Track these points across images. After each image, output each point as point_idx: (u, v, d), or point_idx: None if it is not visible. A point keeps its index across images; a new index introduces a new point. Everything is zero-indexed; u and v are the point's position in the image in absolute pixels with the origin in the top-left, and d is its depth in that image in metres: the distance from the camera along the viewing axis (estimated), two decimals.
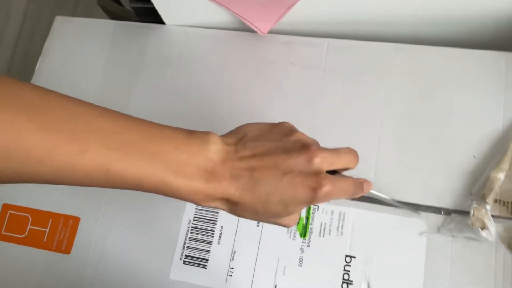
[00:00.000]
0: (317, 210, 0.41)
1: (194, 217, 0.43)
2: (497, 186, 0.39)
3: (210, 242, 0.42)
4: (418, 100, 0.44)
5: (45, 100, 0.26)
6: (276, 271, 0.40)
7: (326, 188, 0.28)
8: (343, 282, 0.39)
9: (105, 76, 0.50)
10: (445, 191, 0.41)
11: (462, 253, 0.39)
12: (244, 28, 0.49)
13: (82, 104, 0.27)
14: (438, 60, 0.44)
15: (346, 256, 0.40)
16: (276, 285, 0.40)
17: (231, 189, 0.28)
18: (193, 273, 0.41)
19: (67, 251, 0.44)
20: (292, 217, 0.31)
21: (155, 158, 0.27)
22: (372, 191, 0.33)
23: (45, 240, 0.44)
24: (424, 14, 0.45)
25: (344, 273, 0.39)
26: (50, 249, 0.44)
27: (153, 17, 0.50)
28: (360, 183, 0.32)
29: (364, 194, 0.32)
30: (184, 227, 0.42)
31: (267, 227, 0.41)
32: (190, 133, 0.29)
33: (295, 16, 0.46)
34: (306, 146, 0.29)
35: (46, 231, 0.44)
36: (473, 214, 0.38)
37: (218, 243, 0.41)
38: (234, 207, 0.29)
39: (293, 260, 0.40)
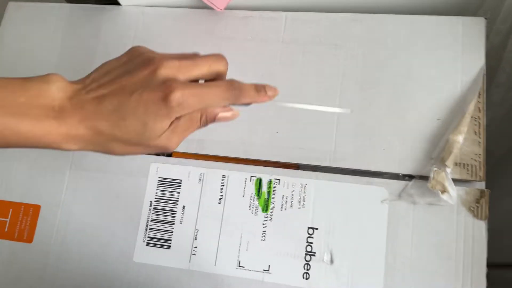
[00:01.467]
0: (278, 183, 0.41)
1: (156, 198, 0.42)
2: (456, 149, 0.39)
3: (172, 223, 0.41)
4: (376, 69, 0.43)
5: None
6: (240, 247, 0.40)
7: (178, 93, 0.27)
8: (306, 254, 0.39)
9: (60, 61, 0.49)
10: (406, 157, 0.41)
11: (424, 218, 0.39)
12: (201, 6, 0.48)
13: None
14: (394, 28, 0.44)
15: (309, 228, 0.40)
16: (239, 261, 0.40)
17: (87, 122, 0.28)
18: (157, 255, 0.41)
19: (29, 240, 0.43)
20: (164, 136, 0.29)
21: None
22: (288, 103, 0.32)
23: (6, 230, 0.44)
24: None
25: (307, 245, 0.39)
26: (12, 239, 0.43)
27: None
28: (254, 86, 0.31)
29: (268, 100, 0.32)
30: (145, 209, 0.42)
31: (229, 204, 0.41)
32: (28, 78, 0.28)
33: None
34: (149, 60, 0.29)
35: (7, 221, 0.44)
36: (433, 178, 0.38)
37: (181, 223, 0.41)
38: (97, 140, 0.28)
39: (256, 235, 0.40)
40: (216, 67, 0.30)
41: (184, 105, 0.28)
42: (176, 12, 0.49)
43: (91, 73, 0.30)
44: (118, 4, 0.50)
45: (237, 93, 0.30)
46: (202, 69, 0.30)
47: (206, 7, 0.48)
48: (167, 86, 0.27)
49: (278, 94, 0.32)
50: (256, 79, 0.45)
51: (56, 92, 0.28)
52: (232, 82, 0.30)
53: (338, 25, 0.46)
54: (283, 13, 0.47)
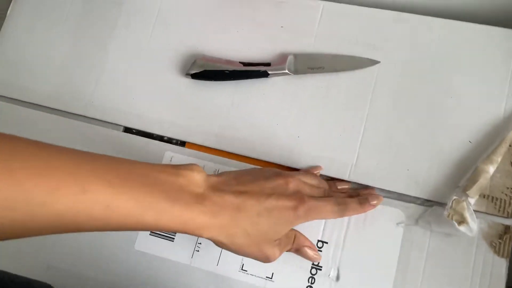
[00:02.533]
0: None
1: None
2: (483, 179, 0.37)
3: None
4: (414, 77, 0.40)
5: (36, 147, 0.26)
6: None
7: (306, 205, 0.32)
8: (312, 267, 0.38)
9: (78, 30, 0.47)
10: (430, 181, 0.38)
11: (440, 247, 0.37)
12: None
13: (73, 151, 0.27)
14: (441, 34, 0.41)
15: (319, 241, 0.39)
16: (243, 264, 0.39)
17: (225, 212, 0.30)
18: (159, 245, 0.40)
19: None
20: (276, 243, 0.33)
21: (153, 189, 0.28)
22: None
23: None
24: None
25: None
26: None
27: None
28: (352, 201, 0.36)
29: (372, 208, 0.37)
30: None
31: None
32: (176, 166, 0.31)
33: None
34: (281, 172, 0.35)
35: None
36: (451, 207, 0.36)
37: None
38: (227, 232, 0.30)
39: None
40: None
41: (307, 216, 0.33)
42: None
43: (225, 172, 0.34)
44: None
45: (343, 207, 0.35)
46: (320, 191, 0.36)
47: None
48: (299, 198, 0.33)
49: (382, 200, 0.37)
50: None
51: (201, 181, 0.31)
52: (338, 198, 0.36)
53: (378, 23, 0.42)
54: (321, 3, 0.43)
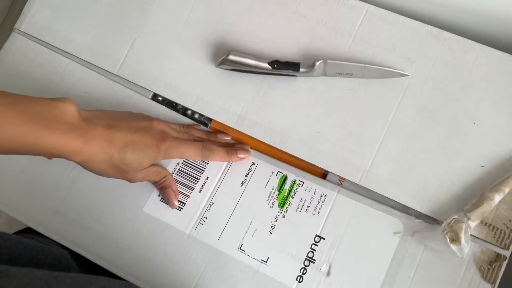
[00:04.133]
0: (301, 186, 0.42)
1: (184, 161, 0.44)
2: (487, 205, 0.38)
3: (192, 188, 0.43)
4: (442, 96, 0.41)
5: None
6: (246, 231, 0.42)
7: (167, 143, 0.39)
8: (306, 259, 0.41)
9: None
10: (437, 200, 0.40)
11: (431, 262, 0.39)
12: None
13: None
14: (477, 59, 0.41)
15: (316, 235, 0.41)
16: (242, 244, 0.42)
17: (95, 141, 0.36)
18: (166, 212, 0.43)
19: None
20: (138, 171, 0.40)
21: (32, 118, 0.33)
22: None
23: None
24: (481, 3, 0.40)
25: (309, 251, 0.41)
26: None
27: None
28: (229, 150, 0.42)
29: (239, 160, 0.43)
30: (171, 167, 0.44)
31: (249, 189, 0.42)
32: (51, 99, 0.36)
33: None
34: (149, 117, 0.42)
35: None
36: (448, 223, 0.38)
37: (199, 191, 0.43)
38: (96, 158, 0.36)
39: (265, 226, 0.41)
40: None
41: (168, 153, 0.39)
42: None
43: (99, 109, 0.40)
44: None
45: (208, 153, 0.41)
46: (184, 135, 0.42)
47: None
48: (162, 137, 0.39)
49: (250, 155, 0.43)
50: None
51: (75, 112, 0.36)
52: (205, 145, 0.41)
53: (418, 36, 0.43)
54: (366, 5, 0.44)
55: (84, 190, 0.45)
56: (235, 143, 0.44)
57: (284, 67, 0.42)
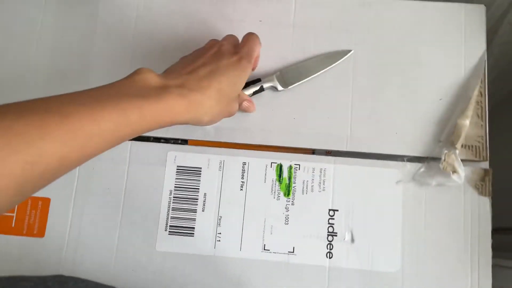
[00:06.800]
0: (299, 169, 0.44)
1: (175, 186, 0.43)
2: (463, 132, 0.44)
3: (194, 211, 0.43)
4: (385, 53, 0.46)
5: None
6: (264, 231, 0.42)
7: (242, 53, 0.40)
8: (328, 235, 0.42)
9: (56, 43, 0.47)
10: (416, 140, 0.45)
11: (434, 197, 0.43)
12: None
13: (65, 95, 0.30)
14: (403, 13, 0.47)
15: (330, 210, 0.43)
16: (264, 245, 0.42)
17: (191, 92, 0.35)
18: (180, 242, 0.42)
19: (41, 234, 0.43)
20: (235, 98, 0.40)
21: (122, 98, 0.31)
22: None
23: (13, 225, 0.43)
24: None
25: (328, 226, 0.42)
26: (21, 234, 0.43)
27: None
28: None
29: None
30: (165, 198, 0.43)
31: (251, 190, 0.43)
32: (125, 78, 0.34)
33: None
34: (209, 43, 0.42)
35: (13, 216, 0.43)
36: (444, 160, 0.42)
37: (203, 210, 0.43)
38: (203, 109, 0.36)
39: (279, 219, 0.43)
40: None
41: (249, 60, 0.40)
42: None
43: (165, 70, 0.38)
44: None
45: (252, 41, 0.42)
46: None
47: None
48: (234, 52, 0.40)
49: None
50: (269, 63, 0.46)
51: (157, 77, 0.34)
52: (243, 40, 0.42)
53: (348, 10, 0.48)
54: None
55: (87, 255, 0.42)
56: None
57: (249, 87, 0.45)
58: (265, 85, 0.45)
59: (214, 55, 0.39)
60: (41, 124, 0.26)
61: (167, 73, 0.37)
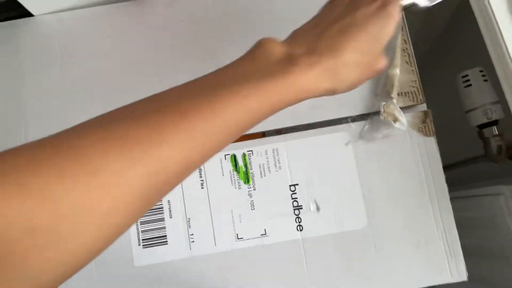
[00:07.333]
0: (252, 154, 0.45)
1: None
2: (396, 81, 0.46)
3: (162, 219, 0.44)
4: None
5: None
6: (233, 221, 0.44)
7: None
8: (294, 209, 0.44)
9: None
10: (355, 100, 0.47)
11: (383, 149, 0.46)
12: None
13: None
14: None
15: (290, 185, 0.45)
16: (237, 234, 0.44)
17: (321, 58, 0.29)
18: (156, 253, 0.43)
19: None
20: (382, 58, 0.32)
21: (245, 77, 0.27)
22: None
23: None
24: None
25: (293, 201, 0.44)
26: None
27: (17, 10, 0.47)
28: None
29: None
30: None
31: (211, 186, 0.45)
32: (247, 54, 0.30)
33: None
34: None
35: None
36: (384, 111, 0.45)
37: (171, 217, 0.44)
38: (338, 74, 0.30)
39: (245, 206, 0.44)
40: None
41: (396, 3, 0.31)
42: (94, 11, 0.49)
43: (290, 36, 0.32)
44: (31, 15, 0.48)
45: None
46: None
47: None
48: (381, 8, 0.30)
49: None
50: (200, 58, 0.47)
51: (281, 46, 0.30)
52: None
53: None
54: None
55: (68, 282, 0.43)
56: None
57: None
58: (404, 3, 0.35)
59: (348, 5, 0.32)
60: (160, 126, 0.23)
61: (293, 37, 0.32)
